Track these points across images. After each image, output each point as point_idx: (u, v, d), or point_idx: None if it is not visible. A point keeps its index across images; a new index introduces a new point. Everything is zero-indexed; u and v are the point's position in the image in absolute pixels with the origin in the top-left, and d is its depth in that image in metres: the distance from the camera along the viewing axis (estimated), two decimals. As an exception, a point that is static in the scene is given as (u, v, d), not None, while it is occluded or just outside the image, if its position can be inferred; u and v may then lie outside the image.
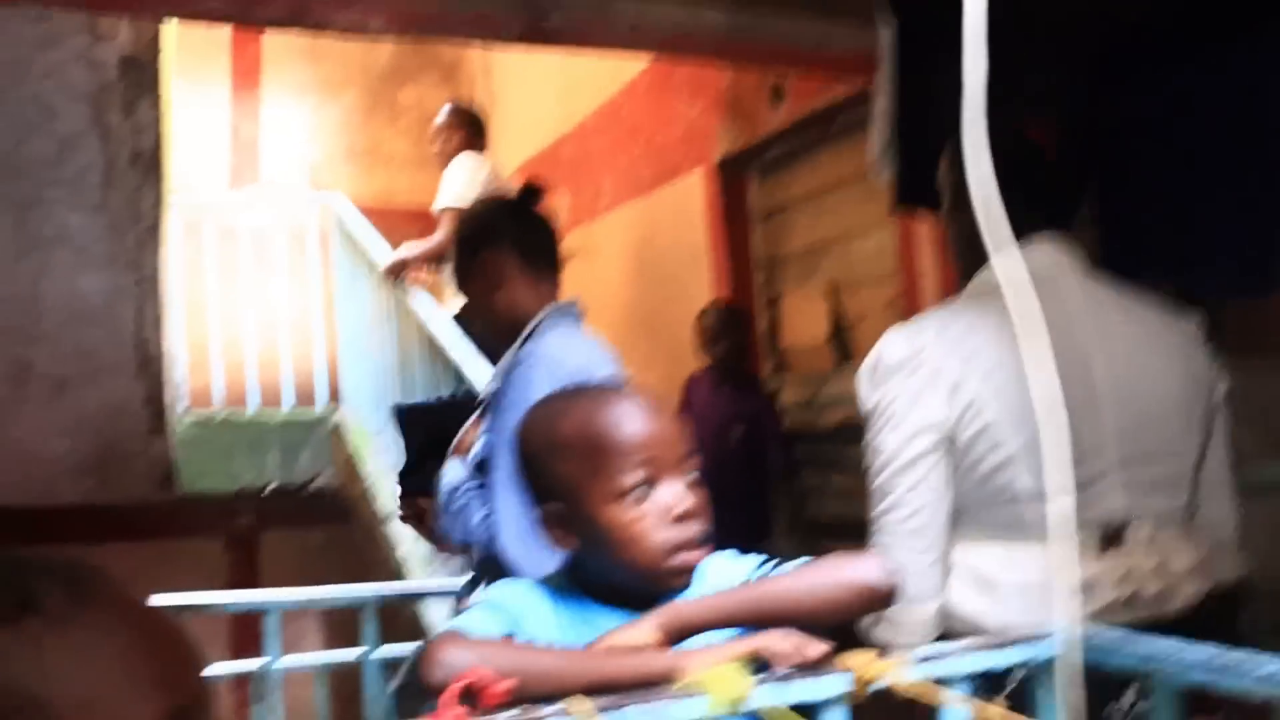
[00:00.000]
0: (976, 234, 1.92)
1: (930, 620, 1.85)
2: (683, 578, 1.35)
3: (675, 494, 1.34)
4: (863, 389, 1.93)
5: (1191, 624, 1.81)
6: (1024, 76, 2.45)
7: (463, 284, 2.45)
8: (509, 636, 1.30)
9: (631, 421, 1.36)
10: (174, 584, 7.15)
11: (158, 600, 3.21)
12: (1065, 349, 1.75)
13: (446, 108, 5.60)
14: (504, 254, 2.35)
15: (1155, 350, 1.94)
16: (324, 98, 8.13)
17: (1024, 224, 1.81)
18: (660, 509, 1.33)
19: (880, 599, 1.30)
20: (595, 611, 1.36)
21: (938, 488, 1.85)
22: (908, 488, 1.84)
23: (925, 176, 2.23)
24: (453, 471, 2.26)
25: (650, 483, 1.33)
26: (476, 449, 2.26)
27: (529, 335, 2.29)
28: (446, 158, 5.40)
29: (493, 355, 2.97)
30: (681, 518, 1.33)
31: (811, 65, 3.66)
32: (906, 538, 1.84)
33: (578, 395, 1.44)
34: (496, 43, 3.31)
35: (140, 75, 3.62)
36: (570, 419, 1.39)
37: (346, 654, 3.43)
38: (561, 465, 1.37)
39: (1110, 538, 1.86)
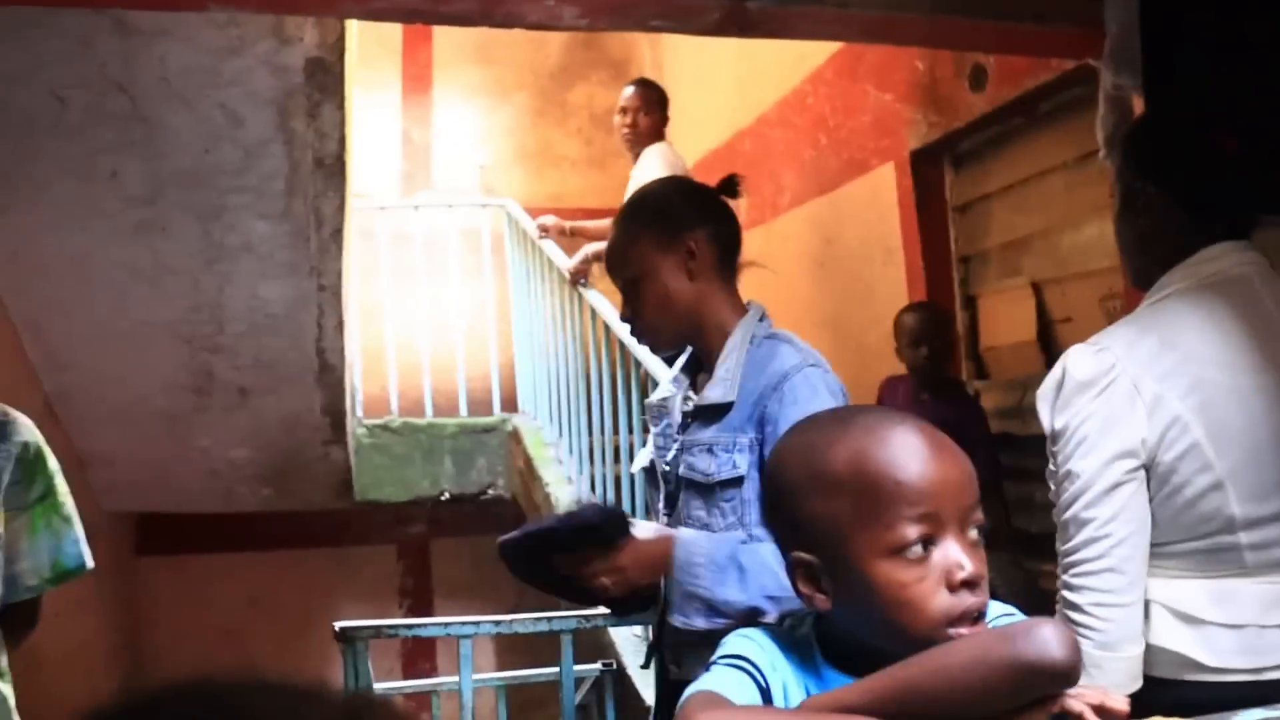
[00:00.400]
0: (1152, 235, 1.85)
1: (1136, 665, 1.66)
2: None
3: (958, 555, 1.11)
4: (1044, 410, 1.76)
5: None
6: (1221, 82, 2.34)
7: (641, 264, 2.08)
8: (765, 702, 1.14)
9: (917, 461, 1.12)
10: (348, 590, 7.26)
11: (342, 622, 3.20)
12: (1273, 356, 1.67)
13: (634, 86, 5.28)
14: (706, 242, 2.08)
15: None
16: (494, 100, 8.10)
17: (1210, 231, 1.79)
18: (941, 571, 1.10)
19: (1057, 678, 1.04)
20: (834, 679, 1.17)
21: (1139, 517, 1.68)
22: (1107, 518, 1.66)
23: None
24: (705, 537, 1.96)
25: (932, 538, 1.11)
26: (716, 469, 1.98)
27: (747, 342, 2.04)
28: (635, 142, 5.11)
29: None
30: (964, 584, 1.10)
31: (1025, 44, 3.39)
32: (1106, 576, 1.65)
33: (850, 421, 1.20)
34: (693, 33, 3.13)
35: (325, 79, 3.53)
36: (843, 450, 1.15)
37: (544, 673, 3.44)
38: (825, 505, 1.15)
39: None
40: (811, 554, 1.16)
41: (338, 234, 4.30)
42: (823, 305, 5.66)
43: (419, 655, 7.16)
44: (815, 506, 1.15)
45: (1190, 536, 1.68)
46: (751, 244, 2.25)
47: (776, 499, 1.23)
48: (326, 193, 4.04)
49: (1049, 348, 4.33)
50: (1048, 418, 1.75)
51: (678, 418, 2.12)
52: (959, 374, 4.68)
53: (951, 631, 1.09)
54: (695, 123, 6.77)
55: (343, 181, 4.05)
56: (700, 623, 1.88)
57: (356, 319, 5.65)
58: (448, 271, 6.33)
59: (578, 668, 3.46)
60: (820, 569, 1.15)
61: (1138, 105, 2.86)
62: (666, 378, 2.25)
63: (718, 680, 1.15)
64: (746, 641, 1.21)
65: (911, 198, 4.91)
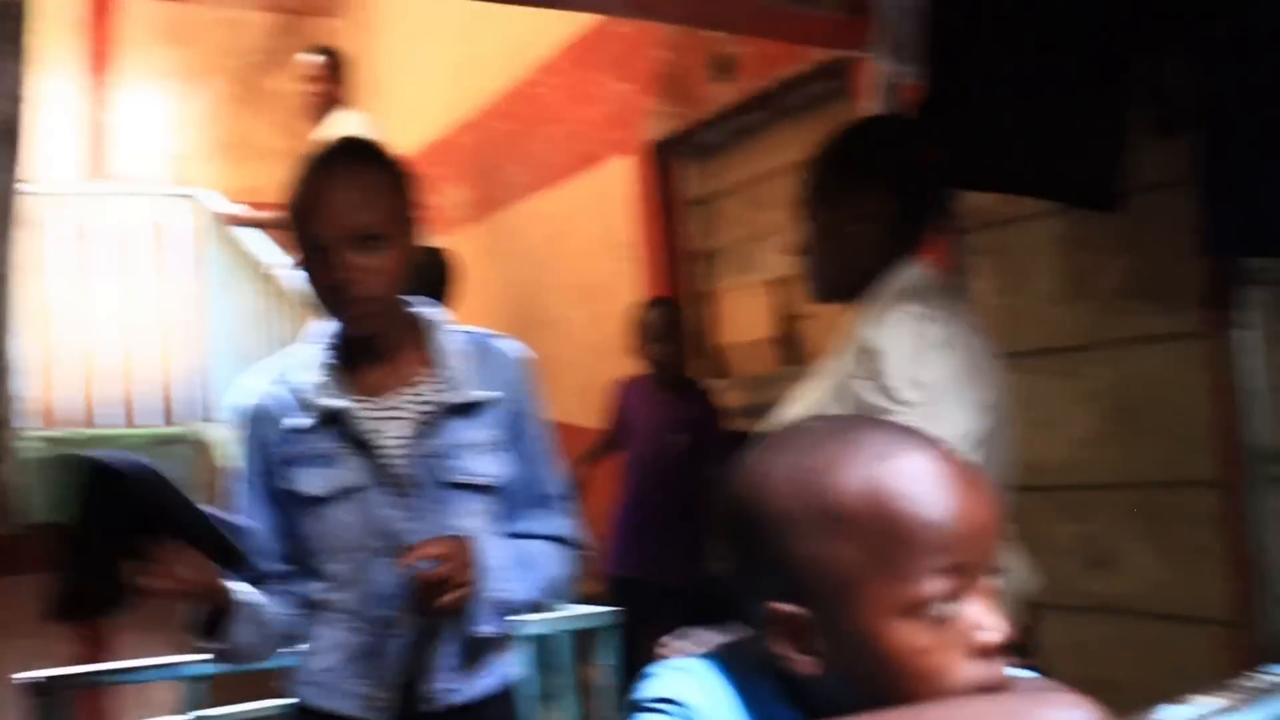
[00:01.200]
0: (868, 247, 1.91)
1: None
2: None
3: (982, 614, 0.89)
4: (901, 362, 1.71)
5: None
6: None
7: (394, 224, 1.79)
8: None
9: (947, 498, 0.89)
10: (16, 628, 6.49)
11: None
12: (983, 353, 1.81)
13: (314, 53, 5.48)
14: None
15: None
16: (186, 85, 7.56)
17: (911, 245, 1.89)
18: (965, 635, 0.88)
19: None
20: None
21: None
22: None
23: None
24: (489, 540, 1.84)
25: (956, 594, 0.88)
26: (500, 469, 1.88)
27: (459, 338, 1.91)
28: (319, 109, 5.28)
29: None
30: (990, 651, 0.89)
31: (788, 29, 3.31)
32: None
33: (854, 440, 0.93)
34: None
35: (3, 25, 3.01)
36: (853, 479, 0.90)
37: (276, 704, 3.07)
38: (825, 547, 0.89)
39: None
40: (800, 605, 0.91)
41: (9, 215, 3.74)
42: (548, 304, 5.49)
43: (95, 698, 6.51)
44: (810, 548, 0.90)
45: None
46: (473, 240, 2.04)
47: (753, 533, 0.94)
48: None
49: (788, 345, 4.28)
50: (907, 370, 1.70)
51: (394, 422, 1.83)
52: (693, 372, 4.58)
53: None
54: (408, 114, 6.51)
55: (20, 152, 3.51)
56: (490, 628, 1.81)
57: (25, 317, 5.05)
58: (134, 268, 5.80)
59: (270, 703, 2.99)
60: (812, 625, 0.91)
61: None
62: (299, 379, 1.86)
63: None
64: (682, 677, 0.96)
65: (647, 191, 4.79)
